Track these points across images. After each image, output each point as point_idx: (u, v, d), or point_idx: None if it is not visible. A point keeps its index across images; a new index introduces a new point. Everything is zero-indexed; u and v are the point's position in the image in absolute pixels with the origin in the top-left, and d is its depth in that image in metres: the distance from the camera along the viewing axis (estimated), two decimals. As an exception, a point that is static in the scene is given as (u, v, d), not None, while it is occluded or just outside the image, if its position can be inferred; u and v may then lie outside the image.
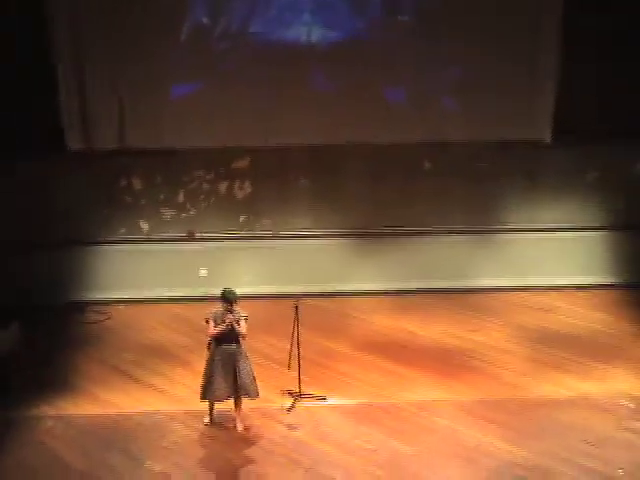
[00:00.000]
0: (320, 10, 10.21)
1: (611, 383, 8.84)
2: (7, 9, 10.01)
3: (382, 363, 9.37)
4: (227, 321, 7.66)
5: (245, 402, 8.10)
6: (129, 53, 10.28)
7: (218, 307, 7.81)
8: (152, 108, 10.49)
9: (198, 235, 11.12)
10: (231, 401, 8.03)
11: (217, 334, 7.76)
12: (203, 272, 8.14)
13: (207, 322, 7.81)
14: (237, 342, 7.84)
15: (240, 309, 7.83)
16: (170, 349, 9.65)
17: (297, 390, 8.53)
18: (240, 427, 8.06)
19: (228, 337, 7.78)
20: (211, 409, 8.14)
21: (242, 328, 7.77)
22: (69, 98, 10.37)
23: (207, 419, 8.19)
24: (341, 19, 10.28)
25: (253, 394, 8.02)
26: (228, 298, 7.72)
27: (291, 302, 8.50)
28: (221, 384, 7.86)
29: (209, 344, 7.93)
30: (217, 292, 7.94)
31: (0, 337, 9.49)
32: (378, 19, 10.29)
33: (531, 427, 8.01)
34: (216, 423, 8.16)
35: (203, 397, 8.02)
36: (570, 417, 8.17)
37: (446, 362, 9.40)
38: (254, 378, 7.99)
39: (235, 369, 7.84)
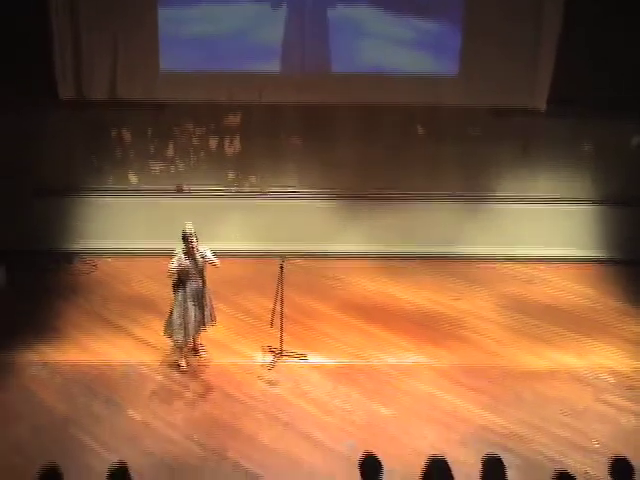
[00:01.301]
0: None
1: (592, 357, 8.90)
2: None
3: (364, 325, 9.40)
4: (198, 255, 7.95)
5: (227, 358, 8.32)
6: (125, 2, 10.13)
7: (180, 249, 8.00)
8: (144, 60, 10.34)
9: (186, 189, 11.08)
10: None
11: (184, 269, 7.95)
12: (188, 227, 8.12)
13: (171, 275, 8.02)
14: (202, 276, 8.12)
15: (203, 246, 8.07)
16: (155, 301, 9.63)
17: (278, 348, 8.57)
18: (204, 353, 8.52)
19: (194, 274, 8.04)
20: (184, 352, 8.36)
21: (213, 259, 8.08)
22: (62, 48, 10.22)
23: (184, 363, 8.37)
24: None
25: (212, 321, 8.43)
26: (186, 235, 7.92)
27: (276, 261, 8.51)
28: (193, 324, 8.15)
29: (174, 285, 8.09)
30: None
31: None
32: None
33: (509, 396, 8.08)
34: (197, 375, 8.20)
35: (177, 340, 8.21)
36: (549, 388, 8.25)
37: (428, 328, 9.44)
38: (212, 306, 8.38)
39: (202, 304, 8.17)
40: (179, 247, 8.04)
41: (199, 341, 8.59)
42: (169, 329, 8.25)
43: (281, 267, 8.36)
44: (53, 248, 10.97)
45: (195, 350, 8.59)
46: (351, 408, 7.82)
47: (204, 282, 8.21)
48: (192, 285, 8.10)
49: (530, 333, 9.38)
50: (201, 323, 8.28)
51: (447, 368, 8.54)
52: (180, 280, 8.08)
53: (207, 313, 8.31)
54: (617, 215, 11.19)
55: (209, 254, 8.08)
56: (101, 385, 8.08)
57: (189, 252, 7.99)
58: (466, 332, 9.37)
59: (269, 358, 8.54)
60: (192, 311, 8.13)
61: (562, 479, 5.03)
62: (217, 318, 8.52)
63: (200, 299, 8.19)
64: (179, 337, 8.20)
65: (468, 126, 10.93)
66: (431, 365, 8.59)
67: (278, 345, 8.57)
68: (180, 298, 8.10)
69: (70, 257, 10.97)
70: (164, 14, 10.26)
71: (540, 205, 11.18)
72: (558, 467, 5.65)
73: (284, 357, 8.55)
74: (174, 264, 7.96)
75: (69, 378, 8.18)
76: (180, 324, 8.13)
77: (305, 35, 10.33)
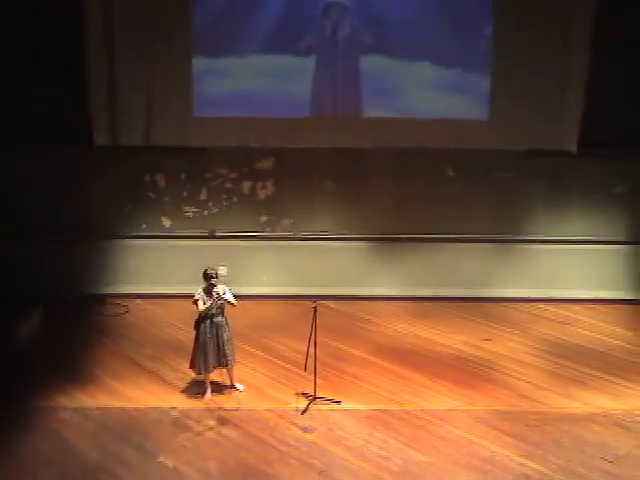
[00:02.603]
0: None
1: (630, 399, 8.74)
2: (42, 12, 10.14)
3: (398, 369, 9.32)
4: (214, 295, 8.31)
5: (260, 403, 8.28)
6: (159, 51, 10.30)
7: (202, 287, 8.40)
8: (177, 106, 10.49)
9: (219, 233, 11.15)
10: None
11: (207, 310, 8.35)
12: (222, 270, 8.25)
13: (195, 303, 8.38)
14: (222, 315, 8.48)
15: (223, 285, 8.40)
16: (187, 345, 9.53)
17: (312, 393, 8.51)
18: (241, 386, 8.74)
19: (215, 311, 8.41)
20: (208, 383, 8.64)
21: (231, 298, 8.41)
22: (98, 95, 10.44)
23: (209, 394, 8.62)
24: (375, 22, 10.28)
25: (232, 363, 8.65)
26: (209, 275, 8.31)
27: (309, 304, 8.47)
28: (213, 357, 8.49)
29: (197, 322, 8.48)
30: (236, 291, 8.42)
31: (22, 326, 9.59)
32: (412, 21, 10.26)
33: (547, 441, 7.93)
34: (230, 422, 8.17)
35: (199, 371, 8.58)
36: (588, 432, 8.07)
37: (463, 371, 9.34)
38: (234, 347, 8.65)
39: (220, 340, 8.47)
40: (200, 287, 8.40)
41: (233, 377, 8.78)
42: (192, 362, 8.58)
43: (314, 310, 8.33)
44: (86, 291, 11.07)
45: (232, 386, 8.76)
46: (387, 454, 7.70)
47: (226, 320, 8.51)
48: (212, 321, 8.42)
49: (565, 375, 9.25)
50: (223, 359, 8.52)
51: (483, 413, 8.41)
52: (200, 317, 8.42)
53: (228, 351, 8.52)
54: (650, 256, 11.11)
55: (228, 294, 8.41)
56: (132, 431, 8.02)
57: (209, 290, 8.34)
58: (501, 375, 9.25)
59: (303, 403, 8.47)
60: (211, 345, 8.43)
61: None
62: (245, 361, 8.90)
63: (220, 336, 8.47)
64: (201, 370, 8.53)
65: (499, 168, 10.98)
66: (467, 410, 8.47)
67: (312, 390, 8.51)
68: (201, 333, 8.45)
69: (102, 300, 11.05)
70: (197, 62, 10.43)
71: (572, 246, 11.15)
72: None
73: (318, 402, 8.48)
74: (200, 302, 8.36)
75: (100, 423, 8.14)
76: (200, 358, 8.46)
77: (337, 80, 10.47)
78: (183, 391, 8.77)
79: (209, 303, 8.35)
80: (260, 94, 10.54)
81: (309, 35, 10.37)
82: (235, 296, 8.52)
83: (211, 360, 8.49)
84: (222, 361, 8.57)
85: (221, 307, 8.46)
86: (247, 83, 10.53)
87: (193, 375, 8.70)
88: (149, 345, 9.87)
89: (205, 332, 8.44)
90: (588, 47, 10.04)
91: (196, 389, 8.72)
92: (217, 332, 8.47)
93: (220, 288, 8.36)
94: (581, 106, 10.28)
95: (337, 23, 10.33)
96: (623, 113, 10.44)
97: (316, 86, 10.47)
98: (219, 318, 8.48)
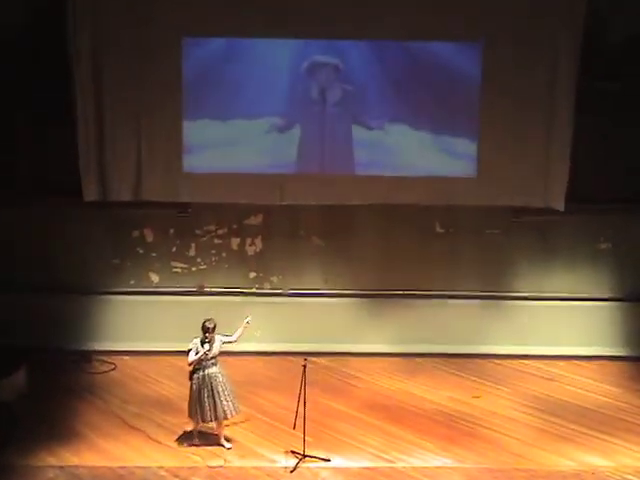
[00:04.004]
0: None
1: (618, 457, 8.72)
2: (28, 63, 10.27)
3: (387, 426, 9.29)
4: (204, 349, 8.37)
5: (248, 461, 8.25)
6: (147, 107, 10.43)
7: (199, 338, 8.45)
8: (168, 163, 10.57)
9: (207, 289, 11.17)
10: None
11: (194, 362, 8.41)
12: (209, 323, 8.30)
13: (188, 353, 8.45)
14: (215, 365, 8.52)
15: (218, 336, 8.53)
16: (175, 403, 9.58)
17: (301, 450, 8.46)
18: (228, 444, 8.66)
19: (207, 363, 8.45)
20: (197, 431, 8.73)
21: (229, 339, 8.59)
22: (87, 151, 10.43)
23: (197, 440, 8.71)
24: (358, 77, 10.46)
25: (235, 413, 8.65)
26: (206, 327, 8.40)
27: (298, 360, 8.51)
28: (209, 408, 8.48)
29: (191, 373, 8.52)
30: (223, 347, 8.55)
31: (5, 384, 9.48)
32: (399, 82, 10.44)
33: (537, 499, 7.93)
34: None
35: (197, 422, 8.63)
36: (577, 490, 8.09)
37: (451, 427, 9.32)
38: (234, 396, 8.61)
39: (215, 392, 8.47)
40: (197, 338, 8.46)
41: (222, 429, 8.76)
42: (189, 412, 8.64)
43: (304, 367, 8.33)
44: (72, 347, 10.98)
45: (221, 441, 8.72)
46: (376, 513, 7.67)
47: (220, 372, 8.56)
48: (205, 372, 8.47)
49: (553, 432, 9.25)
50: (218, 412, 8.49)
51: (473, 470, 8.37)
52: (193, 368, 8.51)
53: (226, 403, 8.53)
54: (637, 311, 11.18)
55: (224, 338, 8.56)
56: (120, 490, 7.95)
57: (204, 342, 8.40)
58: (489, 432, 9.24)
59: (292, 461, 8.41)
60: (205, 395, 8.45)
61: None
62: (237, 417, 8.77)
63: (215, 387, 8.48)
64: (198, 420, 8.58)
65: (486, 225, 11.10)
66: (456, 467, 8.44)
67: (301, 448, 8.46)
68: (194, 384, 8.51)
69: (89, 356, 10.96)
70: (188, 124, 10.52)
71: (559, 302, 11.20)
72: None
73: (307, 460, 8.41)
74: (191, 353, 8.42)
75: (87, 483, 8.06)
76: (195, 409, 8.52)
77: (325, 140, 10.56)
78: (170, 449, 8.68)
79: (197, 357, 8.38)
80: (248, 151, 10.64)
81: (294, 100, 10.51)
82: (223, 352, 8.60)
83: (207, 411, 8.48)
84: (216, 414, 8.53)
85: (215, 357, 8.49)
86: (235, 141, 10.60)
87: (179, 432, 8.60)
88: (135, 402, 9.77)
89: (198, 383, 8.47)
90: (572, 106, 10.22)
91: (183, 447, 8.65)
92: (210, 384, 8.47)
93: (217, 339, 8.46)
94: (567, 164, 10.41)
95: (326, 86, 10.49)
96: (608, 170, 10.61)
97: (305, 143, 10.57)
98: (212, 369, 8.48)
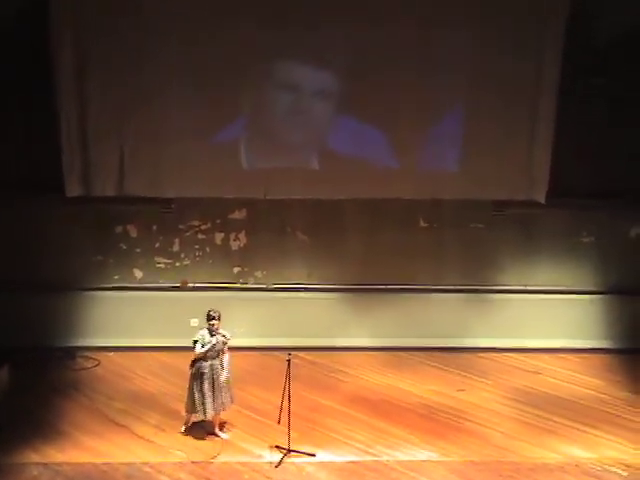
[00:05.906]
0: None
1: (602, 449, 8.81)
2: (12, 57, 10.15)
3: (372, 420, 9.31)
4: (213, 341, 8.40)
5: (233, 456, 8.28)
6: (132, 103, 10.37)
7: (204, 328, 8.49)
8: (152, 157, 10.51)
9: (191, 285, 11.14)
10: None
11: (201, 354, 8.42)
12: (194, 322, 8.28)
13: (194, 344, 8.45)
14: (218, 357, 8.56)
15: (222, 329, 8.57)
16: (159, 399, 9.57)
17: (286, 445, 8.47)
18: (225, 435, 8.77)
19: (211, 354, 8.51)
20: (190, 420, 8.80)
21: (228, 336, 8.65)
22: (70, 146, 10.36)
23: (184, 428, 8.81)
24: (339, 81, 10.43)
25: (230, 404, 8.78)
26: (211, 316, 8.42)
27: (282, 355, 8.51)
28: (211, 401, 8.54)
29: (193, 362, 8.53)
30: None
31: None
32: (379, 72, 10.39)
33: (521, 491, 7.97)
34: (202, 476, 8.08)
35: (204, 414, 8.62)
36: (561, 482, 8.13)
37: (436, 421, 9.36)
38: (231, 387, 8.72)
39: (215, 383, 8.55)
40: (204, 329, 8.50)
41: (216, 424, 8.81)
42: (189, 405, 8.66)
43: (288, 362, 8.33)
44: (56, 344, 10.91)
45: (220, 428, 8.82)
46: (361, 507, 7.69)
47: (221, 363, 8.58)
48: (208, 362, 8.50)
49: (537, 425, 9.32)
50: (219, 401, 8.57)
51: (457, 464, 8.42)
52: (196, 358, 8.53)
53: (224, 393, 8.62)
54: (619, 305, 11.25)
55: (227, 335, 8.60)
56: (105, 486, 7.92)
57: (211, 332, 8.41)
58: (473, 425, 9.29)
59: (277, 456, 8.42)
60: (207, 385, 8.49)
61: None
62: (225, 410, 8.83)
63: (216, 379, 8.55)
64: (199, 410, 8.59)
65: (469, 219, 11.12)
66: (441, 461, 8.48)
67: (286, 443, 8.47)
68: (198, 376, 8.52)
69: (73, 353, 10.91)
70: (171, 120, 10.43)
71: (542, 295, 11.25)
72: None
73: (292, 455, 8.43)
74: (198, 345, 8.44)
75: (71, 479, 8.01)
76: (198, 398, 8.52)
77: (310, 134, 10.56)
78: (155, 445, 8.67)
79: (207, 347, 8.40)
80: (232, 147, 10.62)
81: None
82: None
83: (208, 406, 8.54)
84: (217, 405, 8.61)
85: (219, 349, 8.54)
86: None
87: (164, 428, 8.63)
88: (119, 398, 9.73)
89: (201, 374, 8.50)
90: (555, 99, 10.24)
91: (168, 442, 8.64)
92: (212, 376, 8.53)
93: (220, 334, 8.50)
94: (549, 157, 10.43)
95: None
96: (591, 164, 10.65)
97: (290, 138, 10.54)
98: (215, 361, 8.54)
